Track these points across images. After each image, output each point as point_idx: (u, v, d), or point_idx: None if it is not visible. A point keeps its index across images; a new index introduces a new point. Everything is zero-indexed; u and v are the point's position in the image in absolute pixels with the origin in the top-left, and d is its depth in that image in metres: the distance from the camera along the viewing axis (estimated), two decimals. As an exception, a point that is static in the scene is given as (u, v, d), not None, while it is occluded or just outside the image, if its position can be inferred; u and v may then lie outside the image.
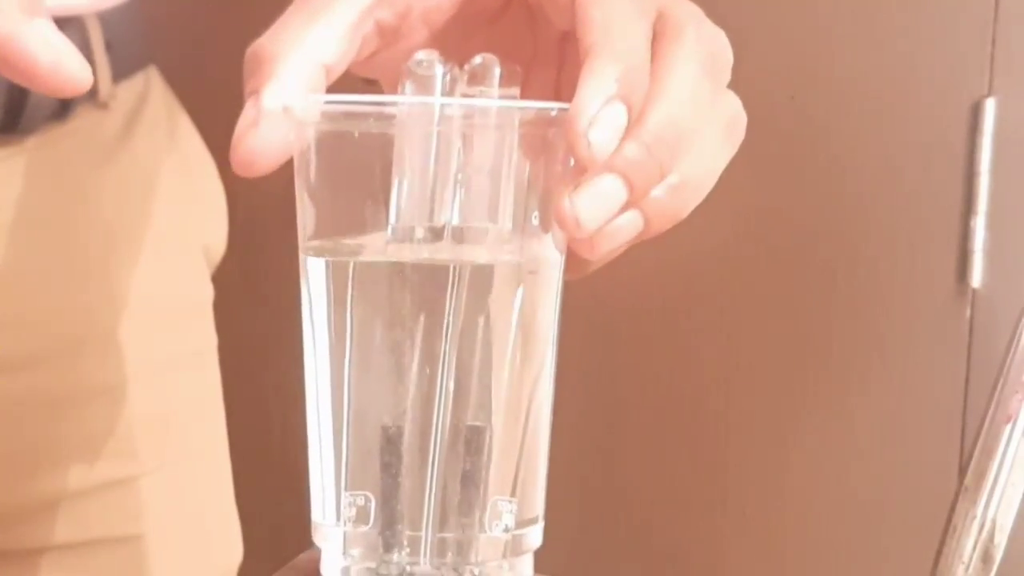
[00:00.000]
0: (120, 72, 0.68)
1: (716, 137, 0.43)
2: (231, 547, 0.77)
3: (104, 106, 0.67)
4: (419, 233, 0.41)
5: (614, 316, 1.25)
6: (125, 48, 0.68)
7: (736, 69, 0.46)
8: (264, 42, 0.43)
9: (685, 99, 0.42)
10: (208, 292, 0.75)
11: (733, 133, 0.44)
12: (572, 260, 0.43)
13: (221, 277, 0.77)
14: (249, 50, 0.43)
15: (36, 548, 0.68)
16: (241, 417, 0.77)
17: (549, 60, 0.47)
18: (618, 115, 0.40)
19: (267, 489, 0.82)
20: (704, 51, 0.43)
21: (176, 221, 0.71)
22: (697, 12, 0.44)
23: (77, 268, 0.66)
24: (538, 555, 0.43)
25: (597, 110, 0.40)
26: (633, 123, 0.41)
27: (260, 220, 0.94)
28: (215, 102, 0.73)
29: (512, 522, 0.42)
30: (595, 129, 0.40)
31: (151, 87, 0.72)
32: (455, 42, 0.46)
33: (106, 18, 0.66)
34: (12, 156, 0.63)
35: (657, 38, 0.42)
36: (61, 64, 0.42)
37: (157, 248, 0.69)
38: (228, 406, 0.77)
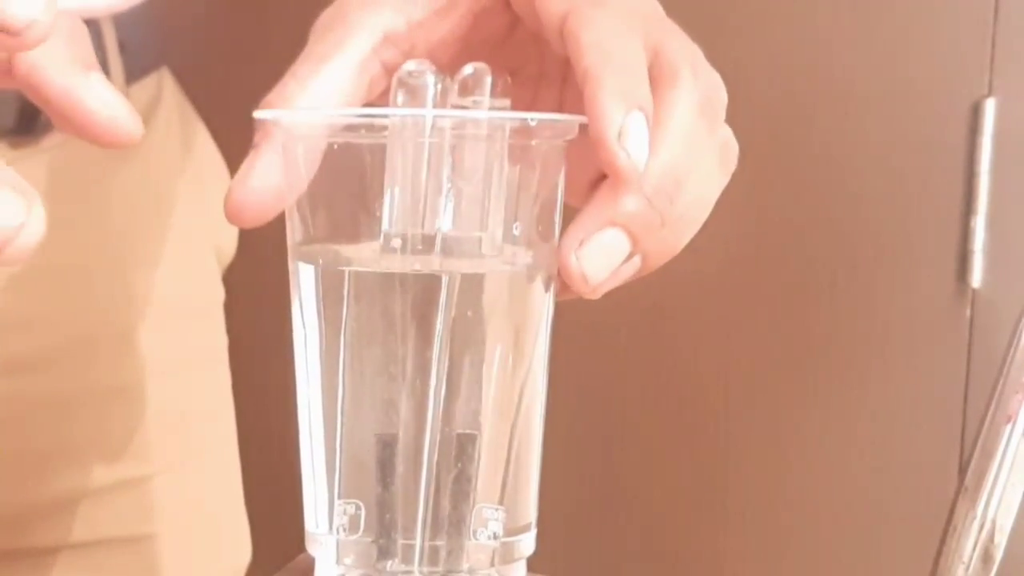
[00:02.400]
0: (133, 74, 0.68)
1: (710, 170, 0.44)
2: (240, 546, 0.77)
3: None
4: (410, 242, 0.41)
5: (612, 316, 1.25)
6: (138, 50, 0.68)
7: (736, 69, 0.45)
8: (272, 97, 0.44)
9: (681, 147, 0.42)
10: (219, 292, 0.75)
11: (726, 162, 0.45)
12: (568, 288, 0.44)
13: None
14: (261, 104, 0.44)
15: (49, 547, 0.68)
16: (241, 417, 0.77)
17: (554, 78, 0.48)
18: (641, 123, 0.40)
19: (267, 489, 0.82)
20: (699, 95, 0.43)
21: (188, 222, 0.71)
22: (692, 52, 0.44)
23: (91, 269, 0.66)
24: (536, 557, 0.43)
25: (621, 121, 0.40)
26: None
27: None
28: (227, 104, 0.73)
29: (500, 529, 0.42)
30: (627, 139, 0.40)
31: (164, 89, 0.72)
32: (462, 67, 0.46)
33: (120, 20, 0.66)
34: (27, 157, 0.63)
35: (653, 83, 0.42)
36: (116, 119, 0.42)
37: (170, 249, 0.70)
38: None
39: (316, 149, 0.42)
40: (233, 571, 0.76)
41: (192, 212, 0.72)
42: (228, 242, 0.76)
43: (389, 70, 0.46)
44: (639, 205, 0.41)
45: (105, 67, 0.66)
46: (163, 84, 0.72)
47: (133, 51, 0.68)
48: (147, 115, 0.70)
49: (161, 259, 0.69)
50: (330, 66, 0.44)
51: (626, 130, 0.40)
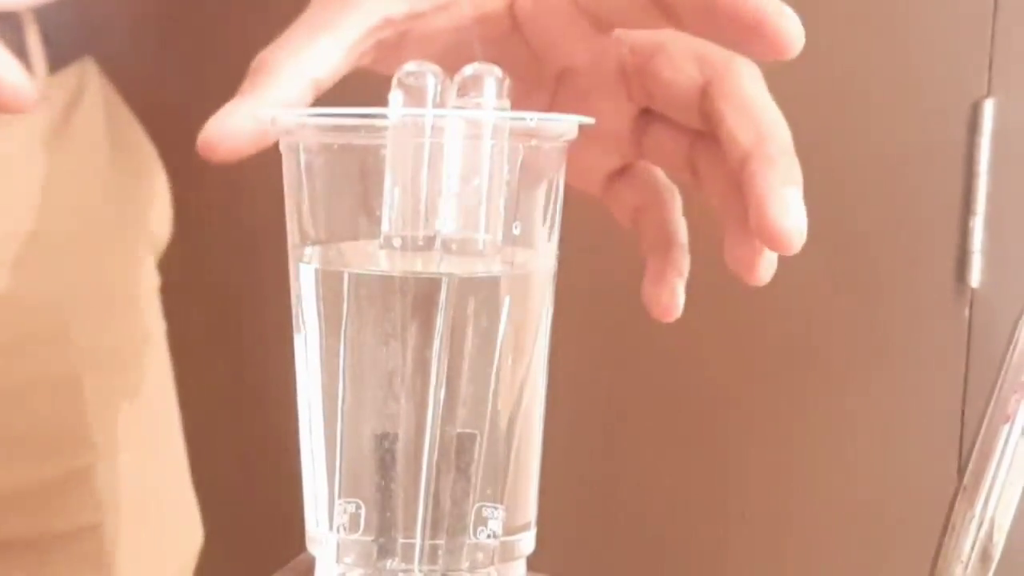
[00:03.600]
0: (56, 64, 0.68)
1: None
2: (191, 532, 0.77)
3: (41, 98, 0.67)
4: (410, 243, 0.41)
5: (612, 316, 1.25)
6: (61, 40, 0.68)
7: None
8: (266, 53, 0.45)
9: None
10: (154, 279, 0.75)
11: None
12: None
13: (221, 276, 0.77)
14: (255, 59, 0.45)
15: None
16: (241, 416, 0.77)
17: (545, 87, 0.49)
18: (799, 198, 0.46)
19: (267, 490, 0.83)
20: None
21: (118, 210, 0.71)
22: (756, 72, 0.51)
23: (20, 262, 0.66)
24: (536, 556, 0.43)
25: (789, 199, 0.45)
26: (769, 140, 0.47)
27: (259, 218, 0.95)
28: (154, 92, 0.73)
29: (499, 528, 0.42)
30: (789, 214, 0.45)
31: (88, 78, 0.72)
32: (452, 60, 0.46)
33: (42, 11, 0.66)
34: None
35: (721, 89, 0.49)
36: (20, 84, 0.43)
37: (100, 237, 0.70)
38: (228, 406, 0.77)
39: (316, 149, 0.42)
40: (183, 556, 0.76)
41: (121, 200, 0.72)
42: (161, 228, 0.76)
43: (381, 46, 0.47)
44: (793, 162, 0.46)
45: (26, 56, 0.66)
46: (87, 74, 0.72)
47: (56, 41, 0.68)
48: (71, 104, 0.70)
49: (91, 247, 0.69)
50: (325, 38, 0.45)
51: (788, 206, 0.44)
